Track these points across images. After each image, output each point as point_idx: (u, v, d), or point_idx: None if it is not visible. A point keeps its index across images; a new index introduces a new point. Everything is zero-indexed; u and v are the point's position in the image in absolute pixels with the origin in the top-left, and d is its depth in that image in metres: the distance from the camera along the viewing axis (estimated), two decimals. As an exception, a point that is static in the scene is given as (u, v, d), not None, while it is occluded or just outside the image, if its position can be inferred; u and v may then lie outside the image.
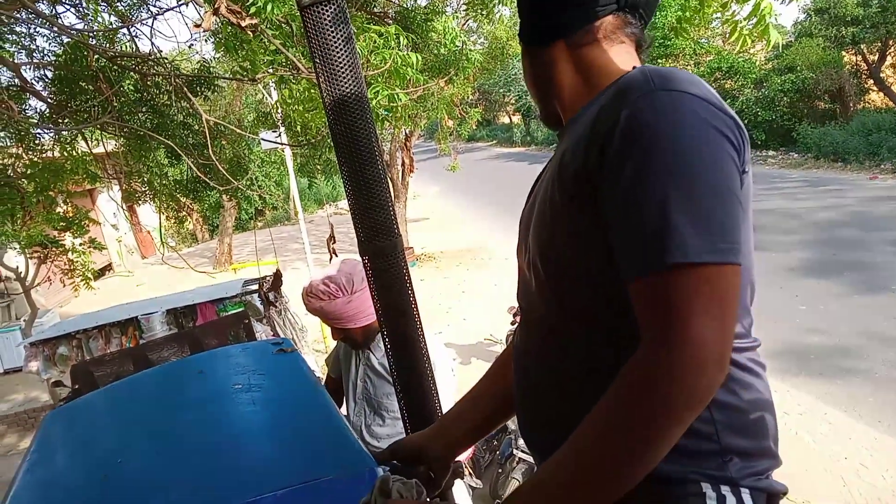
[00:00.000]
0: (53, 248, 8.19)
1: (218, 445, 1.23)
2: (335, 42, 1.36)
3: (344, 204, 24.28)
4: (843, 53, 19.89)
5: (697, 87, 0.84)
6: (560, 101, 1.04)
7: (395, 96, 2.84)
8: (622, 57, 0.98)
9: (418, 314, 1.53)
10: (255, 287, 6.02)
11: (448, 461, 1.20)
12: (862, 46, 19.65)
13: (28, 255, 8.38)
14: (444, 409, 1.68)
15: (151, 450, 1.26)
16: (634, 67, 0.95)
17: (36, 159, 5.14)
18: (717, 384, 0.76)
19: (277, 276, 5.39)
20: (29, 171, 5.03)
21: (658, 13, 22.72)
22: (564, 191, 0.89)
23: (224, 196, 10.20)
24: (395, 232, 1.48)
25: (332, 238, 6.62)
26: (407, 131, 11.76)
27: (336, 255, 6.68)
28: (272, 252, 13.55)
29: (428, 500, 0.91)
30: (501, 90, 34.99)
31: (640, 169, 0.79)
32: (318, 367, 7.41)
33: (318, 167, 9.96)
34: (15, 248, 8.21)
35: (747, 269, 0.88)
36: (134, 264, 17.40)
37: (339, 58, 1.36)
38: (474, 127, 15.25)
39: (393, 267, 1.46)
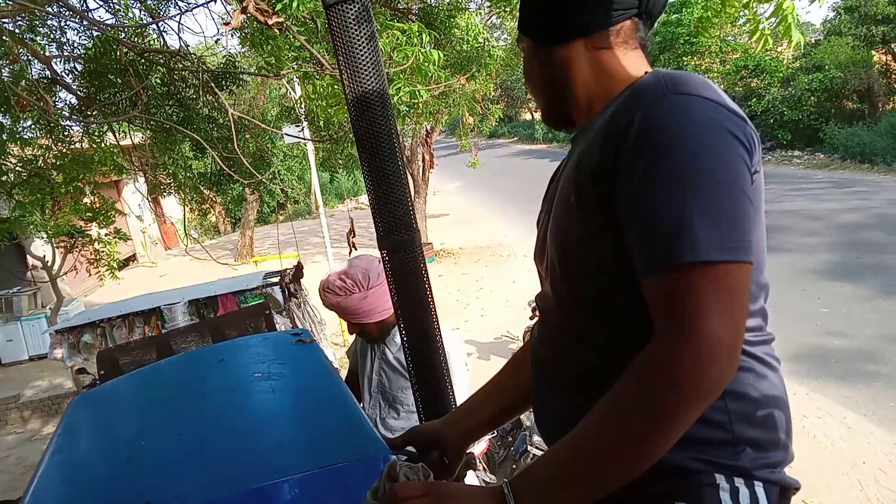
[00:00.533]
0: (80, 238, 8.36)
1: (237, 431, 1.27)
2: (358, 39, 1.39)
3: (364, 199, 24.43)
4: (873, 52, 19.53)
5: (709, 90, 0.86)
6: (574, 103, 1.04)
7: (417, 93, 2.86)
8: (636, 62, 1.00)
9: (435, 309, 1.56)
10: (276, 279, 6.10)
11: (462, 449, 1.23)
12: (892, 45, 19.27)
13: (55, 245, 8.57)
14: (458, 403, 1.70)
15: (174, 434, 1.30)
16: (646, 73, 0.97)
17: (65, 151, 5.25)
18: (728, 377, 0.79)
19: (299, 267, 5.46)
20: (58, 163, 5.14)
21: (684, 10, 22.48)
22: (580, 191, 0.91)
23: (247, 189, 10.32)
24: (413, 227, 1.51)
25: (351, 232, 6.67)
26: (428, 127, 11.78)
27: (356, 249, 6.73)
28: (293, 245, 13.68)
29: (436, 481, 0.93)
30: (524, 87, 34.82)
31: (653, 169, 0.81)
32: (337, 359, 7.49)
33: (340, 162, 10.04)
34: (43, 238, 8.39)
35: (759, 266, 0.91)
36: (157, 255, 17.65)
37: (362, 55, 1.39)
38: (495, 123, 15.23)
39: (411, 261, 1.49)
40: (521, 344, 1.50)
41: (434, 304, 1.55)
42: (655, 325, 0.82)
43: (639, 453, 0.80)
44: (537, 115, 39.69)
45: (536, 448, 4.08)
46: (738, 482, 0.88)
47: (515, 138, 39.58)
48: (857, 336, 6.13)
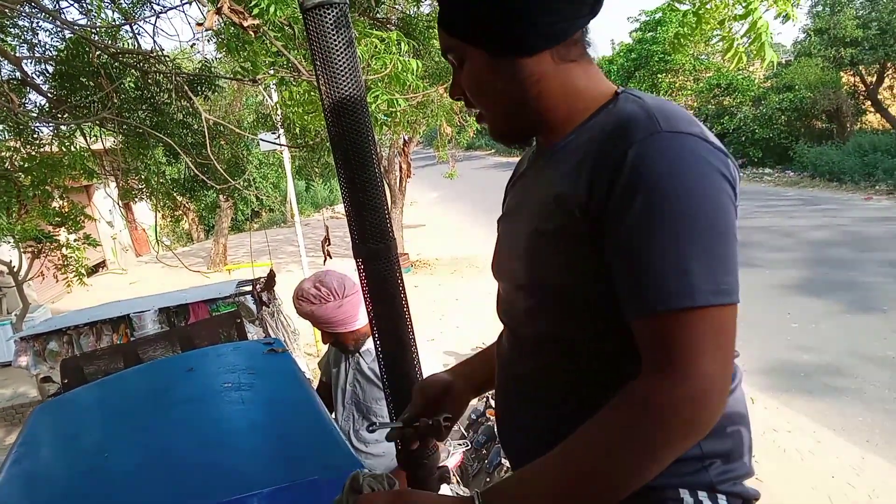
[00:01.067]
0: (48, 243, 8.16)
1: (205, 443, 1.23)
2: (336, 45, 1.37)
3: (340, 208, 24.33)
4: (842, 74, 20.05)
5: (697, 126, 0.85)
6: (542, 120, 0.97)
7: (395, 101, 2.85)
8: (598, 76, 0.97)
9: (410, 319, 1.54)
10: (249, 288, 6.02)
11: (467, 401, 1.23)
12: (860, 68, 19.82)
13: (22, 250, 8.35)
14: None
15: (138, 445, 1.26)
16: (617, 93, 0.94)
17: (34, 153, 5.13)
18: (718, 415, 0.80)
19: (271, 276, 5.39)
20: (26, 165, 5.02)
21: (659, 28, 22.87)
22: (561, 221, 0.89)
23: (221, 196, 10.20)
24: (389, 235, 1.49)
25: (326, 240, 6.62)
26: (406, 137, 11.78)
27: (330, 257, 6.67)
28: (267, 254, 13.54)
29: (402, 489, 0.90)
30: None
31: (649, 210, 0.80)
32: (310, 370, 7.39)
33: (317, 170, 9.98)
34: (9, 242, 8.18)
35: None
36: (128, 262, 17.35)
37: (339, 61, 1.37)
38: (473, 135, 15.29)
39: (386, 270, 1.47)
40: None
41: (410, 313, 1.53)
42: (647, 361, 0.82)
43: (624, 484, 0.80)
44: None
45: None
46: (702, 496, 0.89)
47: (492, 150, 39.81)
48: (826, 351, 6.23)
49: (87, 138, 5.69)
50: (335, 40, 1.36)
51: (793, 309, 7.42)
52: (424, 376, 1.52)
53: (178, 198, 7.12)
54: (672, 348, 0.79)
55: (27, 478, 1.30)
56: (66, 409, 1.63)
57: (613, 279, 0.84)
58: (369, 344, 2.21)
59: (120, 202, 6.75)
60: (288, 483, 1.02)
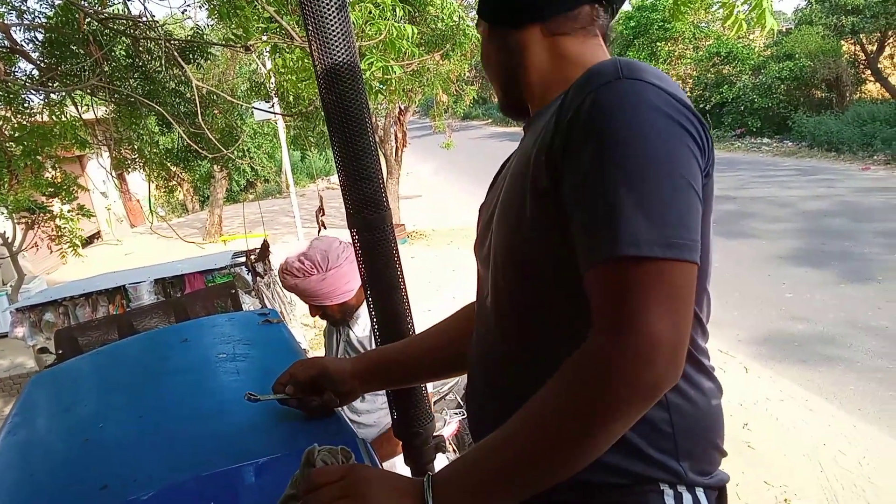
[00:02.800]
0: (41, 214, 8.12)
1: (199, 413, 1.23)
2: (328, 9, 1.33)
3: (336, 178, 24.11)
4: (842, 43, 19.86)
5: (665, 81, 0.83)
6: (528, 90, 1.01)
7: (390, 68, 2.80)
8: (595, 50, 0.97)
9: (406, 290, 1.53)
10: (244, 259, 6.01)
11: (353, 388, 1.22)
12: (861, 36, 19.62)
13: (15, 221, 8.32)
14: (429, 386, 1.68)
15: (134, 415, 1.26)
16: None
17: (24, 122, 5.07)
18: (669, 381, 0.75)
19: (265, 246, 5.38)
20: (17, 135, 4.96)
21: (659, -5, 22.54)
22: (530, 181, 0.88)
23: (215, 166, 10.14)
24: (384, 205, 1.47)
25: (321, 210, 6.60)
26: (401, 106, 11.67)
27: (325, 228, 6.66)
28: (262, 225, 13.50)
29: (354, 463, 0.89)
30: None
31: (598, 156, 0.77)
32: (307, 340, 7.42)
33: (311, 140, 9.90)
34: (2, 213, 8.13)
35: (703, 272, 0.87)
36: (123, 233, 17.29)
37: (332, 25, 1.34)
38: (469, 104, 15.16)
39: (381, 241, 1.45)
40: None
41: (405, 284, 1.52)
42: (593, 320, 0.77)
43: (570, 454, 0.76)
44: (511, 98, 39.61)
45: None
46: (681, 488, 0.89)
47: (490, 120, 39.50)
48: (820, 321, 6.27)
49: (79, 107, 5.62)
50: (327, 4, 1.33)
51: (788, 279, 7.45)
52: None
53: (171, 168, 7.07)
54: (616, 303, 0.75)
55: (22, 448, 1.30)
56: (61, 380, 1.63)
57: (572, 232, 0.81)
58: (360, 315, 2.21)
59: (113, 172, 6.70)
60: (281, 453, 1.02)
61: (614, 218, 0.75)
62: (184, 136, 4.24)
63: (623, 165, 0.76)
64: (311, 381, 1.15)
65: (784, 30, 21.58)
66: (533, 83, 0.99)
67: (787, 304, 6.80)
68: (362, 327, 2.18)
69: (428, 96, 10.59)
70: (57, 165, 6.49)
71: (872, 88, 20.58)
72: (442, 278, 9.56)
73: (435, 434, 1.61)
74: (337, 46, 1.35)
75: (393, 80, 2.97)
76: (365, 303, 2.16)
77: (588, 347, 0.76)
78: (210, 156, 4.94)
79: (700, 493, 0.90)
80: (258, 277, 5.47)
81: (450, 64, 8.50)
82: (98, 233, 16.63)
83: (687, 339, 0.77)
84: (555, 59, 0.97)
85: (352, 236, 1.48)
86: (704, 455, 0.92)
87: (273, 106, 6.90)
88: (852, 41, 20.05)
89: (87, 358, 1.74)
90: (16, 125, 4.99)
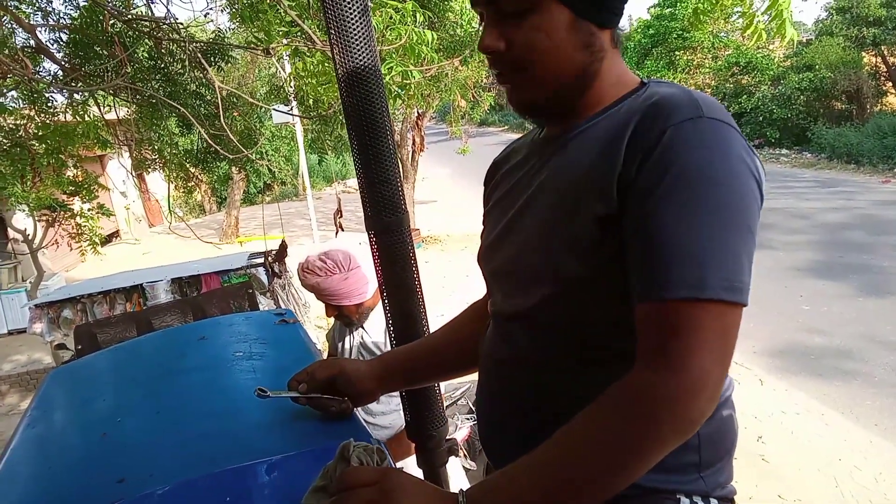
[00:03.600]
0: (62, 212, 8.23)
1: (216, 410, 1.24)
2: (351, 13, 1.35)
3: (352, 182, 24.32)
4: (863, 54, 19.67)
5: (732, 121, 0.84)
6: (584, 95, 0.94)
7: (409, 73, 2.82)
8: (626, 66, 0.98)
9: (422, 292, 1.54)
10: (261, 260, 6.04)
11: (368, 388, 1.21)
12: (882, 48, 19.43)
13: (36, 218, 8.44)
14: (442, 388, 1.68)
15: (151, 411, 1.27)
16: (643, 82, 0.95)
17: (48, 121, 5.14)
18: (708, 414, 0.78)
19: (283, 246, 5.42)
20: (40, 133, 5.04)
21: (679, 4, 22.46)
22: (587, 202, 0.86)
23: (233, 168, 10.21)
24: (402, 208, 1.48)
25: (339, 212, 6.63)
26: (419, 111, 11.71)
27: (342, 230, 6.69)
28: (279, 227, 13.58)
29: (388, 466, 0.89)
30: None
31: (676, 192, 0.78)
32: (320, 342, 7.45)
33: (329, 143, 9.93)
34: (24, 210, 8.25)
35: None
36: (141, 233, 17.46)
37: (354, 29, 1.35)
38: (486, 111, 15.17)
39: (398, 243, 1.46)
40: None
41: (421, 287, 1.53)
42: (642, 351, 0.79)
43: (610, 482, 0.78)
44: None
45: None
46: (697, 499, 0.90)
47: (506, 127, 39.47)
48: (837, 334, 6.20)
49: (101, 107, 5.70)
50: (350, 8, 1.34)
51: (805, 291, 7.37)
52: None
53: (190, 169, 7.14)
54: (671, 339, 0.77)
55: (40, 442, 1.32)
56: (80, 375, 1.65)
57: (627, 259, 0.82)
58: (373, 318, 2.22)
59: (133, 172, 6.78)
60: (296, 451, 1.03)
61: (683, 257, 0.77)
62: (205, 136, 4.28)
63: (697, 205, 0.78)
64: (329, 382, 1.15)
65: (804, 41, 21.42)
66: (596, 91, 0.94)
67: (803, 316, 6.72)
68: (377, 330, 2.19)
69: (445, 102, 10.62)
70: (79, 164, 6.58)
71: (894, 101, 20.36)
72: (455, 283, 9.56)
73: (448, 437, 1.62)
74: (359, 50, 1.36)
75: (412, 85, 2.98)
76: (380, 304, 2.18)
77: (637, 381, 0.78)
78: (230, 157, 4.98)
79: None
80: (275, 278, 5.50)
81: (467, 70, 8.52)
82: (117, 232, 16.81)
83: (725, 378, 0.80)
84: (615, 72, 0.95)
85: (369, 238, 1.50)
86: (723, 467, 0.93)
87: (292, 109, 6.94)
88: (873, 53, 19.86)
89: (106, 354, 1.76)
90: (39, 124, 5.07)
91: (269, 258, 5.36)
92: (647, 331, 0.80)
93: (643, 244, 0.80)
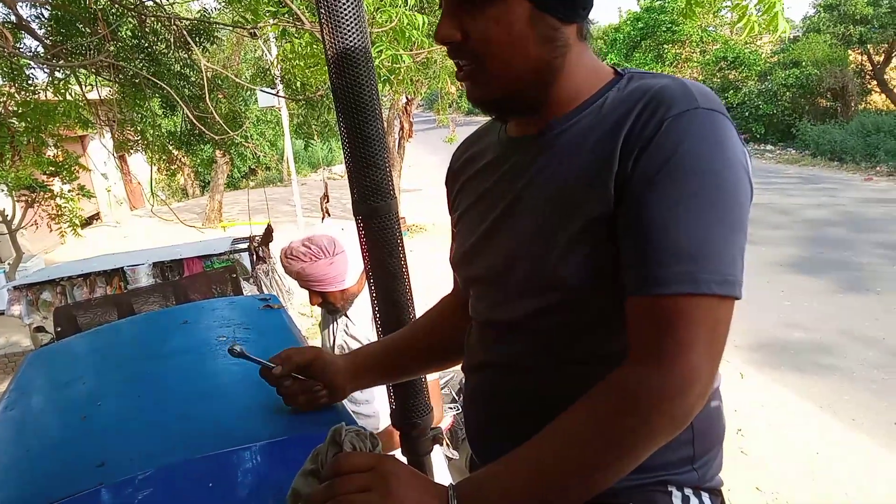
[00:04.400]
0: (42, 193, 8.10)
1: (198, 395, 1.22)
2: (342, -7, 1.32)
3: (338, 168, 24.18)
4: (850, 52, 19.83)
5: (725, 110, 0.83)
6: (554, 94, 0.90)
7: (399, 57, 2.78)
8: (596, 58, 0.95)
9: (409, 279, 1.52)
10: (244, 245, 5.99)
11: (344, 383, 1.17)
12: (868, 46, 19.60)
13: (15, 199, 8.30)
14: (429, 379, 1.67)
15: (133, 394, 1.25)
16: (618, 72, 0.92)
17: (28, 99, 5.04)
18: (696, 412, 0.78)
19: (268, 230, 5.37)
20: (20, 111, 4.94)
21: (668, -4, 22.48)
22: (580, 202, 0.84)
23: (217, 152, 10.09)
24: (390, 193, 1.46)
25: (325, 197, 6.58)
26: (407, 97, 11.63)
27: (329, 215, 6.64)
28: (263, 212, 13.47)
29: (381, 453, 0.87)
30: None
31: (672, 183, 0.77)
32: (304, 330, 7.41)
33: (315, 128, 9.84)
34: (2, 190, 8.10)
35: None
36: (122, 216, 17.26)
37: (345, 10, 1.33)
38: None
39: (386, 229, 1.44)
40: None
41: (408, 274, 1.51)
42: (633, 345, 0.79)
43: (602, 475, 0.77)
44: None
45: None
46: (688, 491, 0.90)
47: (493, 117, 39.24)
48: (817, 329, 6.27)
49: (83, 86, 5.60)
50: (342, -12, 1.31)
51: (786, 286, 7.44)
52: None
53: (173, 151, 7.05)
54: (664, 335, 0.76)
55: (19, 423, 1.29)
56: (60, 357, 1.62)
57: (620, 253, 0.81)
58: (358, 304, 2.20)
59: (115, 153, 6.67)
60: (279, 438, 1.01)
61: (677, 251, 0.76)
62: (191, 116, 4.22)
63: (693, 197, 0.77)
64: (304, 366, 1.11)
65: (791, 37, 21.55)
66: (564, 88, 0.90)
67: (784, 311, 6.79)
68: (362, 318, 2.17)
69: (433, 89, 10.56)
70: (59, 144, 6.47)
71: (878, 99, 20.57)
72: (441, 272, 9.54)
73: (432, 426, 1.61)
74: (349, 31, 1.34)
75: (402, 70, 2.95)
76: (365, 291, 2.16)
77: (629, 376, 0.77)
78: (215, 138, 4.91)
79: (706, 497, 0.91)
80: (260, 263, 5.46)
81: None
82: (97, 214, 16.60)
83: (716, 373, 0.79)
84: (586, 64, 0.91)
85: (357, 223, 1.48)
86: (714, 457, 0.94)
87: (278, 92, 6.87)
88: (859, 51, 20.03)
89: (86, 336, 1.73)
90: (20, 101, 4.97)
91: (255, 242, 5.31)
92: (639, 325, 0.79)
93: (637, 237, 0.79)
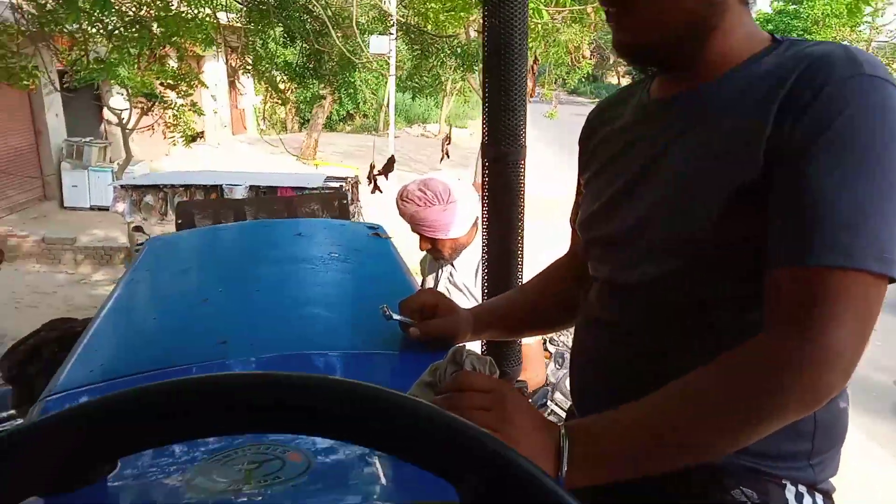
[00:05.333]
0: (157, 102, 8.53)
1: (314, 301, 1.26)
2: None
3: (432, 127, 24.19)
4: None
5: (893, 78, 0.76)
6: (702, 50, 0.86)
7: (539, 12, 2.73)
8: (755, 24, 0.90)
9: (523, 231, 1.52)
10: (336, 185, 6.16)
11: (463, 327, 1.16)
12: None
13: (133, 104, 8.75)
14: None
15: (250, 289, 1.31)
16: (776, 39, 0.86)
17: (167, 8, 5.27)
18: (839, 389, 0.74)
19: (391, 161, 5.46)
20: (162, 15, 5.16)
21: (804, 2, 21.16)
22: (732, 169, 0.80)
23: (325, 89, 10.24)
24: (521, 141, 1.45)
25: (448, 139, 6.59)
26: (535, 57, 11.43)
27: (448, 157, 6.68)
28: (355, 157, 13.73)
29: (505, 381, 0.87)
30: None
31: (835, 151, 0.73)
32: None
33: (427, 80, 9.77)
34: (122, 94, 8.55)
35: None
36: (224, 138, 17.92)
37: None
38: (579, 80, 14.80)
39: (512, 175, 1.44)
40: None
41: (523, 225, 1.51)
42: (775, 318, 0.75)
43: (724, 439, 0.75)
44: (625, 81, 38.32)
45: (556, 405, 4.05)
46: (802, 489, 0.86)
47: (596, 99, 38.27)
48: (903, 374, 5.92)
49: (214, 7, 5.80)
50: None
51: (881, 326, 7.03)
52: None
53: (284, 83, 7.24)
54: (810, 307, 0.72)
55: (143, 298, 1.38)
56: (179, 246, 1.72)
57: (769, 223, 0.77)
58: (465, 256, 2.22)
59: (235, 77, 6.92)
60: (396, 351, 1.04)
61: (833, 222, 0.72)
62: (313, 46, 4.30)
63: (856, 167, 0.72)
64: (433, 308, 1.12)
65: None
66: (717, 48, 0.86)
67: (874, 351, 6.43)
68: (467, 269, 2.19)
69: (544, 62, 10.35)
70: (184, 57, 6.75)
71: None
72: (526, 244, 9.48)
73: (518, 379, 1.62)
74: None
75: (539, 26, 2.89)
76: (474, 243, 2.17)
77: (767, 345, 0.74)
78: (329, 75, 5.01)
79: (819, 497, 0.87)
80: (356, 202, 5.58)
81: (573, 33, 8.25)
82: (202, 133, 17.28)
83: (861, 355, 0.74)
84: (744, 29, 0.87)
85: (483, 167, 1.48)
86: (832, 457, 0.89)
87: (392, 40, 6.91)
88: None
89: (204, 231, 1.82)
90: (160, 4, 5.19)
91: (374, 172, 5.44)
92: (783, 297, 0.75)
93: (788, 207, 0.75)
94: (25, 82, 5.97)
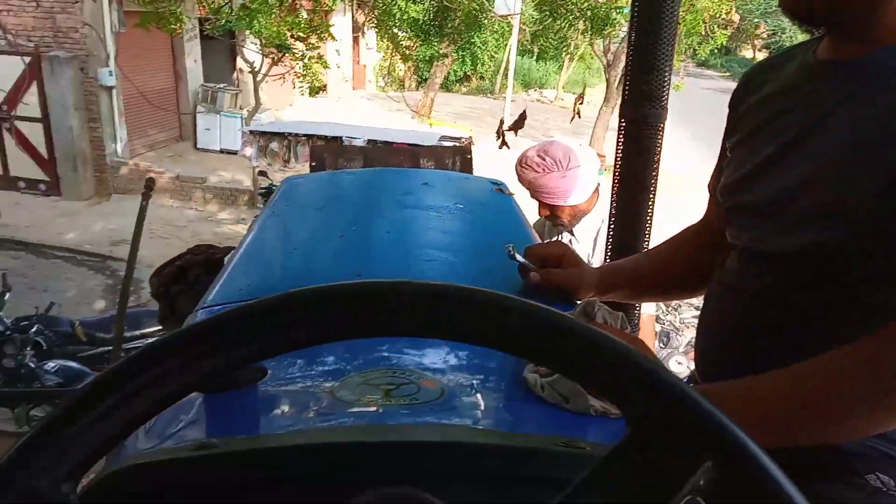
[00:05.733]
0: (286, 53, 8.90)
1: (443, 246, 1.30)
2: None
3: (549, 93, 23.72)
4: None
5: None
6: (880, 13, 0.80)
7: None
8: None
9: (655, 194, 1.48)
10: (450, 144, 6.22)
11: (585, 283, 1.15)
12: None
13: (265, 54, 9.17)
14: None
15: (382, 229, 1.37)
16: None
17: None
18: None
19: (522, 116, 5.47)
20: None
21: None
22: (885, 138, 0.76)
23: (448, 46, 10.24)
24: (663, 102, 1.41)
25: (580, 98, 6.49)
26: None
27: (579, 117, 6.58)
28: (468, 118, 13.72)
29: (637, 337, 0.87)
30: (756, 19, 31.41)
31: None
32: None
33: (552, 43, 9.57)
34: (255, 44, 8.97)
35: None
36: (344, 92, 18.42)
37: None
38: (715, 48, 14.00)
39: (649, 136, 1.41)
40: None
41: (656, 189, 1.47)
42: None
43: (858, 419, 0.73)
44: (761, 55, 35.79)
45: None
46: None
47: (728, 74, 35.99)
48: None
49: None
50: None
51: None
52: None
53: (410, 39, 7.31)
54: None
55: (282, 230, 1.47)
56: (314, 186, 1.81)
57: None
58: (584, 223, 2.19)
59: (359, 32, 7.07)
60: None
61: None
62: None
63: None
64: (560, 261, 1.13)
65: None
66: (893, 10, 0.79)
67: None
68: (586, 237, 2.17)
69: (688, 26, 9.82)
70: (317, 10, 6.96)
71: None
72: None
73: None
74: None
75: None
76: (593, 210, 2.15)
77: None
78: (455, 34, 5.01)
79: None
80: (506, 146, 5.61)
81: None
82: (325, 86, 17.86)
83: None
84: None
85: (619, 127, 1.45)
86: None
87: (516, 4, 6.79)
88: None
89: (337, 174, 1.90)
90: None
91: (504, 126, 5.48)
92: None
93: None
94: (173, 26, 6.37)
